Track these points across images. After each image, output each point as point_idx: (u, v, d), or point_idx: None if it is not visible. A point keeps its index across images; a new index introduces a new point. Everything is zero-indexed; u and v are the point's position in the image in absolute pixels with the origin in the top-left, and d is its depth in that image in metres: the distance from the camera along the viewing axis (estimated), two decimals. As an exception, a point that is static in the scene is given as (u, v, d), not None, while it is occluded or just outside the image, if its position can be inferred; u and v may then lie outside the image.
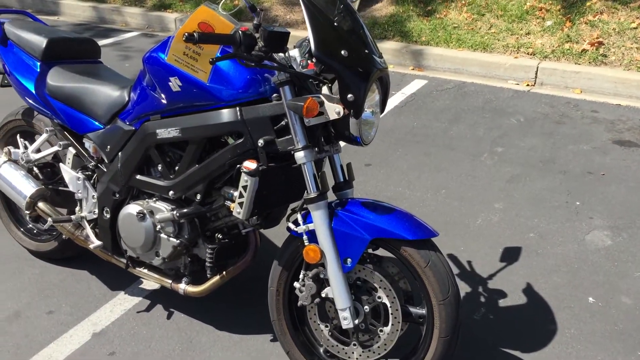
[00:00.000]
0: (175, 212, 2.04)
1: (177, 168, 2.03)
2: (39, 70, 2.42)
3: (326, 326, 1.98)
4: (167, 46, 1.89)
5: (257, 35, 1.65)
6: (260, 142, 1.79)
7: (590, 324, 2.33)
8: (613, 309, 2.41)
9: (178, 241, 2.08)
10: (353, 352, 1.95)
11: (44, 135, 2.50)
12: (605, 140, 3.91)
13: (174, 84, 1.90)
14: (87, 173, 2.36)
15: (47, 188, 2.53)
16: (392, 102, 4.58)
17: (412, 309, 1.88)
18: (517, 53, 5.13)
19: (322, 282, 1.88)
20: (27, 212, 2.49)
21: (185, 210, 2.04)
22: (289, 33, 1.72)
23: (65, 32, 2.67)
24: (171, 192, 2.04)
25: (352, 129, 1.72)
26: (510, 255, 2.76)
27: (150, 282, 2.43)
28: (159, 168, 2.07)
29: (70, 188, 2.39)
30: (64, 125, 2.38)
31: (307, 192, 1.79)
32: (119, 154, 2.17)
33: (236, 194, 1.84)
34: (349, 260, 1.78)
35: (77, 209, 2.41)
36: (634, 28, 5.00)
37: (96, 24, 7.15)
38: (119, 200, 2.23)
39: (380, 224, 1.74)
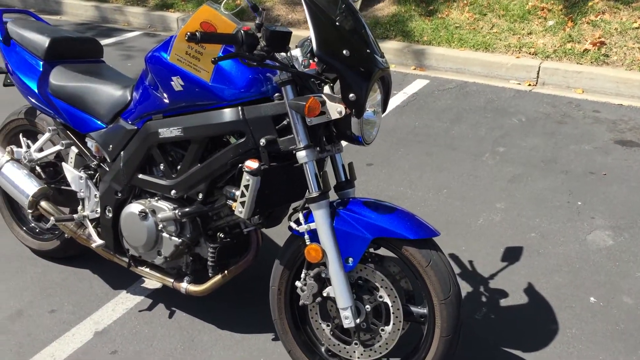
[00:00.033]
0: (177, 211, 2.05)
1: (179, 167, 2.03)
2: (41, 69, 2.42)
3: (327, 325, 1.98)
4: (169, 46, 1.89)
5: (259, 34, 1.65)
6: (262, 141, 1.79)
7: (592, 324, 2.33)
8: (614, 308, 2.41)
9: (180, 240, 2.09)
10: (354, 351, 1.95)
11: (47, 135, 2.51)
12: (607, 140, 3.91)
13: (176, 83, 1.90)
14: (89, 172, 2.37)
15: (50, 187, 2.53)
16: (394, 101, 4.58)
17: (414, 309, 1.88)
18: (519, 53, 5.12)
19: (323, 282, 1.88)
20: (30, 211, 2.50)
21: (187, 209, 2.04)
22: (291, 33, 1.73)
23: (67, 31, 2.67)
24: (173, 192, 2.05)
25: (353, 128, 1.72)
26: (512, 254, 2.76)
27: (152, 281, 2.44)
28: (161, 167, 2.08)
29: (73, 187, 2.40)
30: (67, 124, 2.39)
31: (308, 191, 1.79)
32: (121, 153, 2.17)
33: (238, 193, 1.84)
34: (350, 259, 1.78)
35: (80, 208, 2.42)
36: (636, 28, 4.99)
37: (98, 24, 7.16)
38: (121, 199, 2.23)
39: (381, 223, 1.74)
